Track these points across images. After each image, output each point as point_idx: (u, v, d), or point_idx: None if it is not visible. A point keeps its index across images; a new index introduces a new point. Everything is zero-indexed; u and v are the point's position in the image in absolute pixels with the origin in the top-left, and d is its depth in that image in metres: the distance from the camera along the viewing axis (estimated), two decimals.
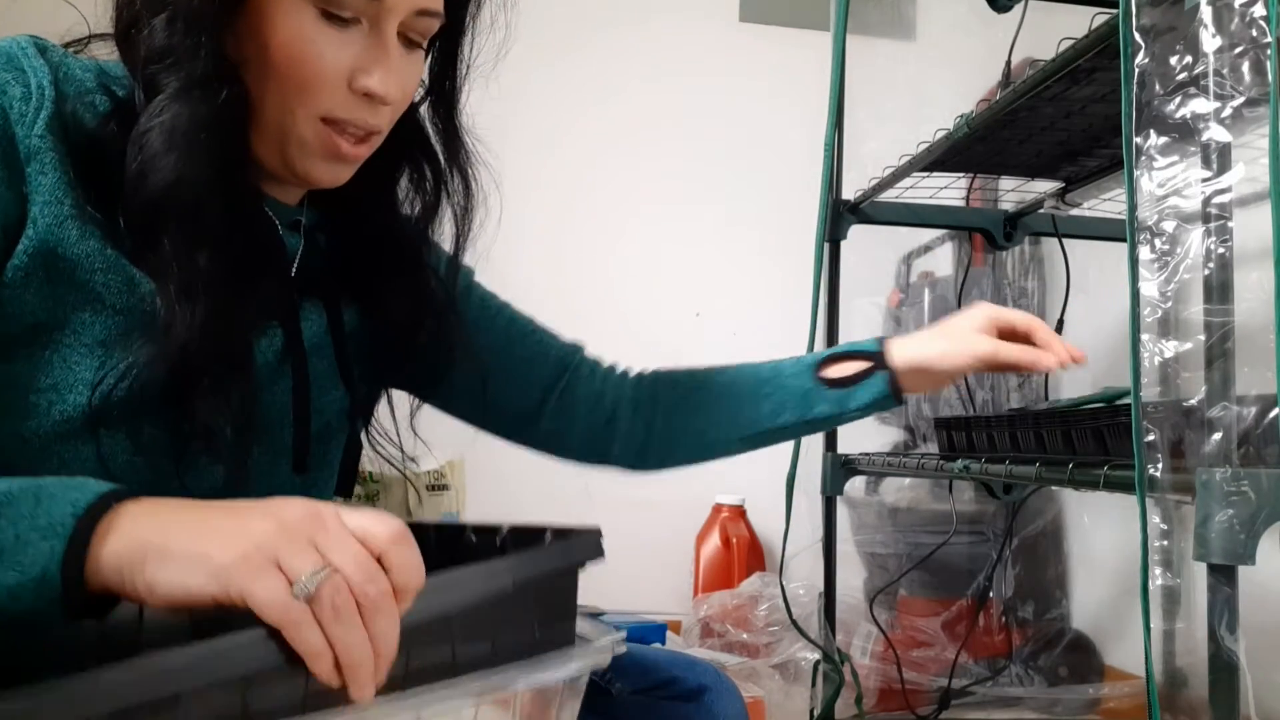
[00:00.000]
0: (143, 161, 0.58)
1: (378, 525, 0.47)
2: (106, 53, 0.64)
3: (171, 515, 0.47)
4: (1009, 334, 0.89)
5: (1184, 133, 0.78)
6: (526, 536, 0.63)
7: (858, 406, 0.86)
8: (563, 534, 0.61)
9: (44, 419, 0.58)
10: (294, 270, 0.70)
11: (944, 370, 0.86)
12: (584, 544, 0.58)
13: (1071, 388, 1.96)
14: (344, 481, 0.77)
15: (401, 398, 0.84)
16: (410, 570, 0.46)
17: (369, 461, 1.46)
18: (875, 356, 0.86)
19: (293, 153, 0.64)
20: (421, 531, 0.69)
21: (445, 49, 0.72)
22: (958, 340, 0.86)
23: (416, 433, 0.81)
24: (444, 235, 0.79)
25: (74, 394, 0.58)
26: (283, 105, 0.62)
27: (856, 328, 1.97)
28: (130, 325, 0.59)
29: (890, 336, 0.88)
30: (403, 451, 0.80)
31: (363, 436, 0.78)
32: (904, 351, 0.86)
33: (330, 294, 0.72)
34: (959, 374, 0.88)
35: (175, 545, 0.44)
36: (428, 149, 0.75)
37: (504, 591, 0.52)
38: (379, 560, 0.45)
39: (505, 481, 2.10)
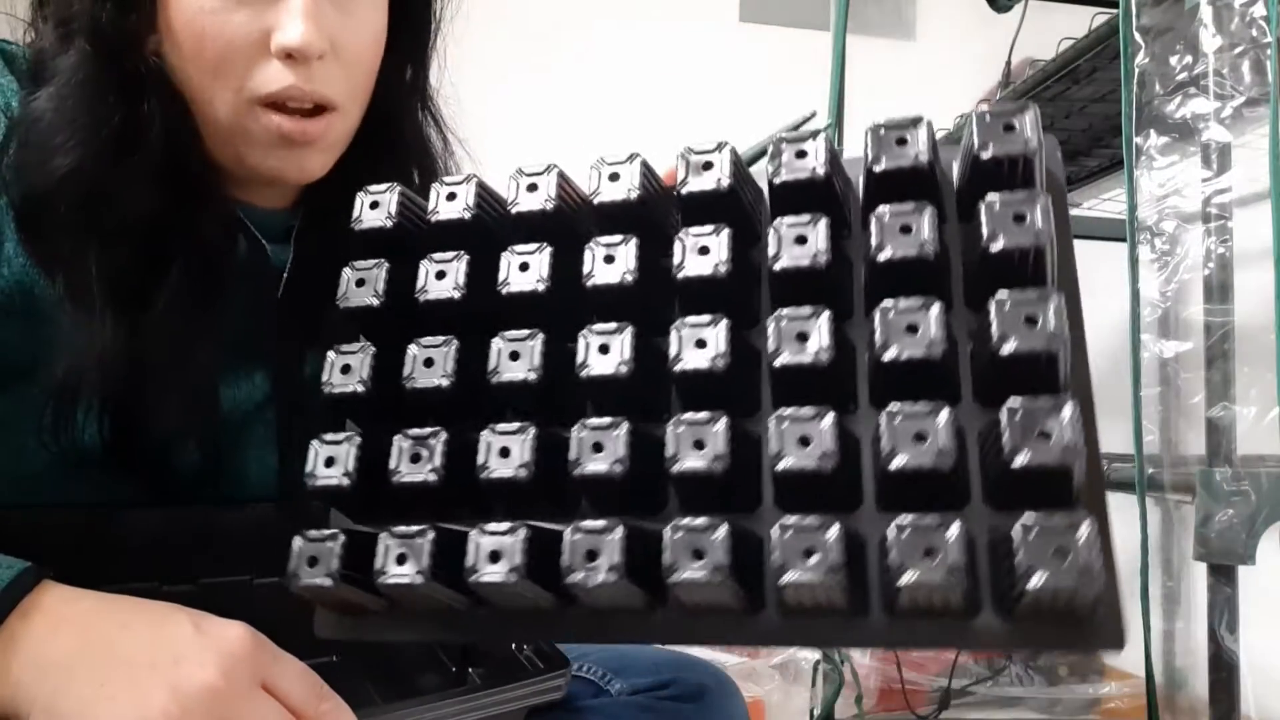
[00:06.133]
0: (36, 145, 0.51)
1: (304, 684, 0.42)
2: None
3: (68, 650, 0.40)
4: None
5: (1184, 133, 0.78)
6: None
7: None
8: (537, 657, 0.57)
9: (34, 459, 0.55)
10: (281, 289, 0.62)
11: None
12: (544, 688, 0.54)
13: None
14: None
15: None
16: None
17: None
18: None
19: (245, 151, 0.56)
20: None
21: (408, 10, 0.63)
22: None
23: None
24: None
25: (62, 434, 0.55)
26: (207, 96, 0.54)
27: None
28: None
29: None
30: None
31: None
32: None
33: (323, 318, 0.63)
34: None
35: (64, 708, 0.39)
36: (410, 131, 0.67)
37: None
38: None
39: None
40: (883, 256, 0.35)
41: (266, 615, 0.44)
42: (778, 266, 0.37)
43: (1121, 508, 1.38)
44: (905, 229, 0.35)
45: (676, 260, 0.38)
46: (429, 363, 0.40)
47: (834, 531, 0.32)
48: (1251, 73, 0.74)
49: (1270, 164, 0.70)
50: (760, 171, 0.41)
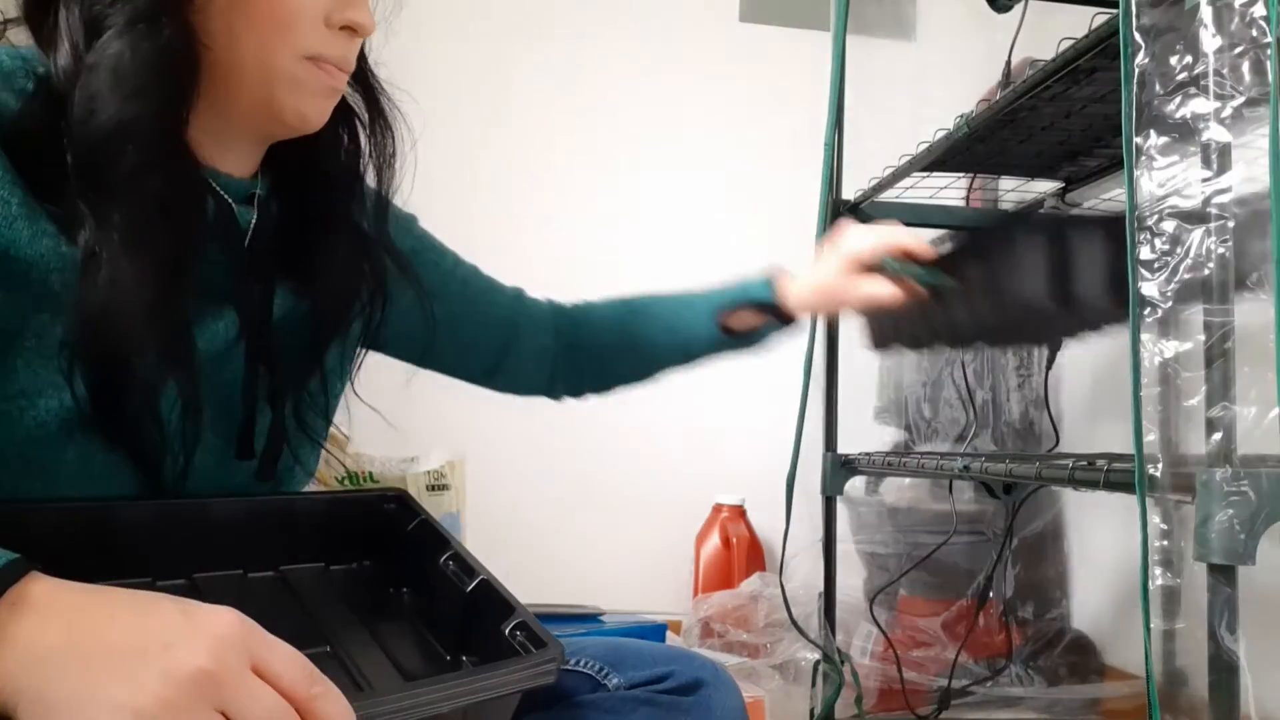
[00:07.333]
0: (87, 101, 0.55)
1: (295, 668, 0.43)
2: (23, 40, 0.61)
3: (57, 641, 0.40)
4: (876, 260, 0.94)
5: (1184, 133, 0.78)
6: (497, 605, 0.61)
7: (763, 341, 0.98)
8: (526, 637, 0.58)
9: (16, 426, 0.57)
10: (247, 245, 0.68)
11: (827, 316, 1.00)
12: (535, 672, 0.54)
13: (1071, 388, 1.96)
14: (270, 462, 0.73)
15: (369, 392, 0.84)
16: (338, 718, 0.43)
17: (368, 462, 1.46)
18: (769, 308, 0.95)
19: (283, 95, 0.63)
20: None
21: None
22: (832, 295, 0.94)
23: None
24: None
25: (44, 398, 0.57)
26: (262, 47, 0.61)
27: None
28: None
29: (777, 271, 0.96)
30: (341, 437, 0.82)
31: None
32: (798, 302, 0.95)
33: (285, 269, 0.70)
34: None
35: (55, 698, 0.39)
36: (366, 91, 0.75)
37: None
38: (300, 709, 0.42)
39: (505, 482, 2.11)
40: None
41: (260, 609, 0.44)
42: None
43: (1121, 508, 1.38)
44: None
45: None
46: None
47: None
48: (1251, 73, 0.74)
49: (1270, 164, 0.70)
50: None
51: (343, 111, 0.73)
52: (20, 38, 0.61)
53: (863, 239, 0.93)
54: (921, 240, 0.94)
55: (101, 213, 0.56)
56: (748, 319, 0.95)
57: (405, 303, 0.81)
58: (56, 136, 0.56)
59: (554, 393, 1.00)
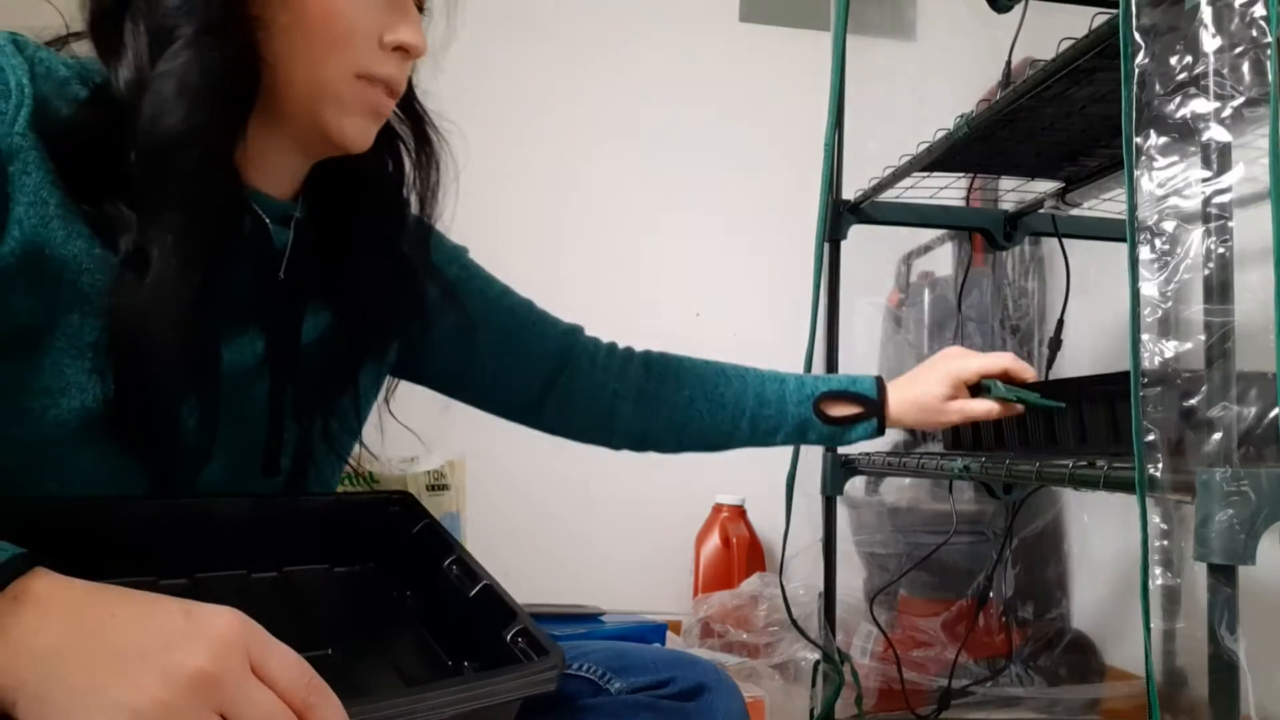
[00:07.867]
0: (155, 106, 0.57)
1: (294, 673, 0.43)
2: (84, 51, 0.63)
3: (57, 638, 0.40)
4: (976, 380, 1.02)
5: (1184, 133, 0.78)
6: (498, 610, 0.61)
7: (846, 441, 1.01)
8: (527, 642, 0.58)
9: (38, 423, 0.58)
10: (283, 268, 0.69)
11: (924, 431, 1.03)
12: (536, 680, 0.54)
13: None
14: (297, 479, 0.74)
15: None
16: None
17: (368, 462, 1.46)
18: (872, 406, 0.99)
19: (328, 112, 0.65)
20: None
21: None
22: (931, 413, 1.00)
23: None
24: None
25: (67, 397, 0.58)
26: (316, 63, 0.63)
27: (856, 328, 1.97)
28: None
29: (886, 380, 1.01)
30: (364, 446, 0.82)
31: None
32: (895, 410, 1.00)
33: (322, 290, 0.71)
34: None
35: (53, 696, 0.39)
36: (414, 120, 0.76)
37: None
38: (297, 714, 0.42)
39: (505, 482, 2.10)
40: None
41: (262, 610, 0.44)
42: None
43: (1121, 508, 1.38)
44: None
45: None
46: None
47: None
48: (1251, 73, 0.74)
49: (1270, 164, 0.70)
50: None
51: (388, 138, 0.74)
52: (82, 50, 0.63)
53: (969, 364, 0.99)
54: (1020, 360, 1.00)
55: (155, 215, 0.57)
56: (846, 409, 0.98)
57: (445, 326, 0.82)
58: (104, 142, 0.57)
59: (613, 441, 0.97)
